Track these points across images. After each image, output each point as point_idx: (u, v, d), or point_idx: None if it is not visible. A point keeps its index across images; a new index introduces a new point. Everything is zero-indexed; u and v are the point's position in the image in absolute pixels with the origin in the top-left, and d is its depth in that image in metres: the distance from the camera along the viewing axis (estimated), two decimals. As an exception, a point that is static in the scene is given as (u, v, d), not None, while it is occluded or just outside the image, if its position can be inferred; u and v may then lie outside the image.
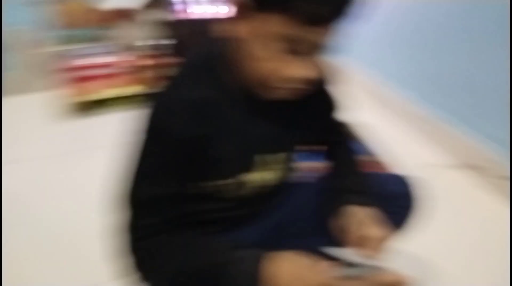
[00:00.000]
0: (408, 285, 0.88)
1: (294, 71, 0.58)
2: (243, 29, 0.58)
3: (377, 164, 1.42)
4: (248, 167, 0.69)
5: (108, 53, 1.96)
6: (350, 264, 0.61)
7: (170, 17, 1.75)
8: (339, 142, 0.88)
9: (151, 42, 1.89)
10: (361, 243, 0.66)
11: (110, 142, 1.26)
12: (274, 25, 0.54)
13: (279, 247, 0.61)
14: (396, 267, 0.90)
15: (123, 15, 1.90)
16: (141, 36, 1.92)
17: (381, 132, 1.59)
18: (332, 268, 0.59)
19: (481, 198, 1.49)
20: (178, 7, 1.74)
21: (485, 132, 1.51)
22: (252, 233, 0.78)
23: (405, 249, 1.07)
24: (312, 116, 0.76)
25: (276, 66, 0.57)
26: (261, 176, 0.72)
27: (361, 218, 0.70)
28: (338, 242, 0.69)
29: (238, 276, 0.58)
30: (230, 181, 0.68)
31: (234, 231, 0.76)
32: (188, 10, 1.74)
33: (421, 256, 1.11)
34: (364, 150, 1.42)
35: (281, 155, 0.74)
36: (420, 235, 1.12)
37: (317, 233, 0.79)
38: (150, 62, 1.92)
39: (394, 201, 0.82)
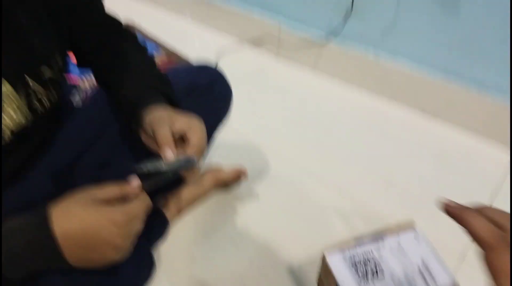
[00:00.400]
0: (245, 176, 0.91)
1: None
2: None
3: (171, 58, 1.36)
4: None
5: None
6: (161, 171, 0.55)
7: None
8: (120, 42, 0.73)
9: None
10: (175, 145, 0.58)
11: None
12: None
13: (76, 184, 0.52)
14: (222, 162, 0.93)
15: None
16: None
17: (162, 27, 1.53)
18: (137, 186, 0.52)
19: (279, 69, 1.48)
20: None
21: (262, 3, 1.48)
22: (36, 181, 0.67)
23: (227, 139, 1.10)
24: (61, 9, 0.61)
25: None
26: (14, 107, 0.55)
27: (169, 118, 0.60)
28: (152, 153, 0.60)
29: (16, 256, 0.46)
30: None
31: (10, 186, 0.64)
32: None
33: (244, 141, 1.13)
34: (152, 47, 1.37)
35: (35, 74, 0.57)
36: (238, 120, 1.13)
37: (125, 152, 0.73)
38: None
39: (202, 92, 0.79)
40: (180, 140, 0.60)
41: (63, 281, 0.60)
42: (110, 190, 0.50)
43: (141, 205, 0.51)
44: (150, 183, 0.54)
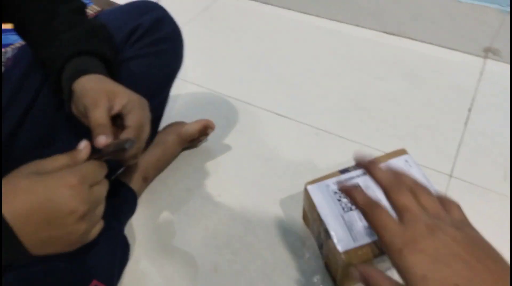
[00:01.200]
0: (211, 128, 0.84)
1: None
2: None
3: (104, 7, 1.19)
4: None
5: None
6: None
7: None
8: None
9: None
10: (110, 125, 0.50)
11: None
12: None
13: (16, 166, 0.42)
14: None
15: None
16: None
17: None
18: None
19: (228, 6, 1.35)
20: None
21: None
22: None
23: (183, 94, 1.01)
24: None
25: None
26: None
27: (105, 96, 0.50)
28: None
29: None
30: None
31: None
32: None
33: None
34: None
35: None
36: (191, 69, 1.06)
37: (66, 126, 0.63)
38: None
39: (145, 34, 0.69)
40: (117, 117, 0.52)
41: (22, 280, 0.52)
42: (58, 158, 0.43)
43: (94, 164, 0.44)
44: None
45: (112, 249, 0.64)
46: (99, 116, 0.48)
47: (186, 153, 0.89)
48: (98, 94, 0.50)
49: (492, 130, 0.91)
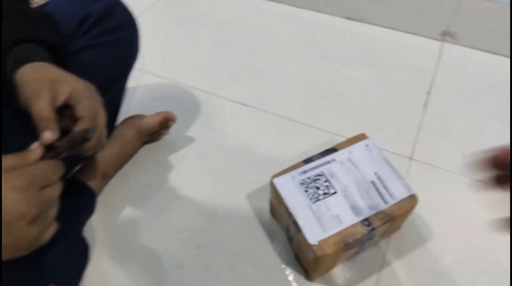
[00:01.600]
0: (172, 120, 0.84)
1: None
2: None
3: None
4: None
5: None
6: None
7: None
8: None
9: None
10: (55, 118, 0.47)
11: None
12: None
13: None
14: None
15: None
16: None
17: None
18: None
19: None
20: None
21: None
22: None
23: (142, 85, 1.00)
24: None
25: None
26: None
27: (49, 86, 0.47)
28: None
29: None
30: None
31: None
32: None
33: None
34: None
35: None
36: (149, 59, 1.03)
37: (16, 123, 0.59)
38: None
39: (96, 23, 0.66)
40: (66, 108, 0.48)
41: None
42: (5, 159, 0.40)
43: (46, 164, 0.41)
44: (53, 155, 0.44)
45: (69, 251, 0.61)
46: (41, 108, 0.45)
47: (147, 147, 0.86)
48: (40, 84, 0.46)
49: (450, 112, 0.93)
